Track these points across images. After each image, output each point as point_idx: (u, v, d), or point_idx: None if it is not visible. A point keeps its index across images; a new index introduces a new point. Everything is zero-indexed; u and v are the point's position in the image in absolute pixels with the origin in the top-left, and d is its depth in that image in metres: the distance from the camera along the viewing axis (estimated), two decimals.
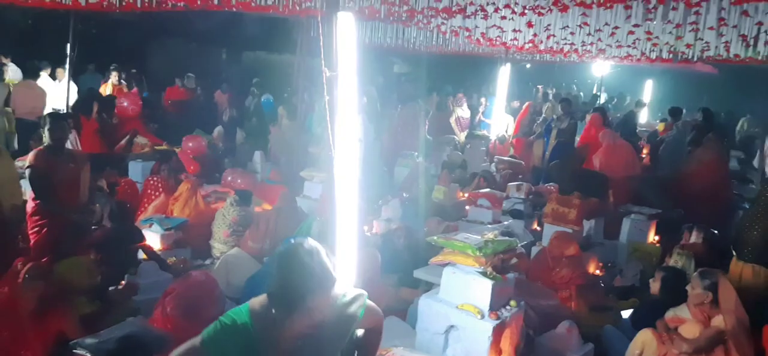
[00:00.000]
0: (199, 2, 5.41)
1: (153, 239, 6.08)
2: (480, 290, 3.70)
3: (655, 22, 5.99)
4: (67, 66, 8.67)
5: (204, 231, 6.52)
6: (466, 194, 7.91)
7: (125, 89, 11.29)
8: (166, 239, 6.36)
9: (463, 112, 12.17)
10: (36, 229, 4.97)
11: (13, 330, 3.72)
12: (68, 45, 8.21)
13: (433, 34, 9.02)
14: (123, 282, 5.20)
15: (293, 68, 13.51)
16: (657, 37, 6.88)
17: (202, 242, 6.47)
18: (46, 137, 4.96)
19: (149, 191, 7.34)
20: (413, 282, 5.06)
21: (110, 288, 5.03)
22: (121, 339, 3.50)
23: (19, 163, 5.73)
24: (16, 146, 9.51)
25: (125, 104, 9.95)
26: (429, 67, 15.94)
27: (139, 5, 5.98)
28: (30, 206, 4.96)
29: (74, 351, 3.82)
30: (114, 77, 11.41)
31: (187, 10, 6.29)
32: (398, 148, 9.73)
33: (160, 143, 9.38)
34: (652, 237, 6.94)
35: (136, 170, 8.43)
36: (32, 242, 4.99)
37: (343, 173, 2.65)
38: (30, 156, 4.98)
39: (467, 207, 7.38)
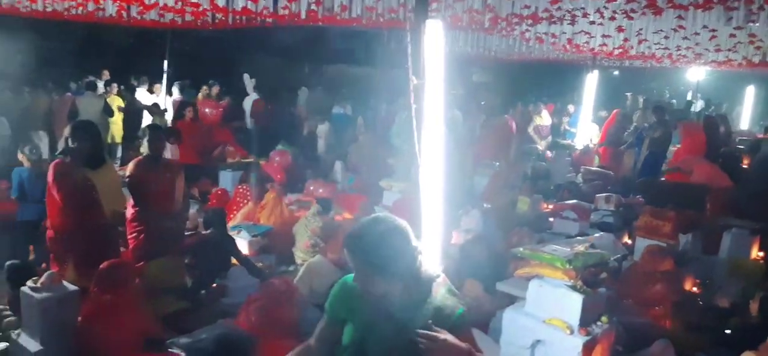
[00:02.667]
0: (286, 17, 5.58)
1: (241, 245, 6.30)
2: (569, 304, 3.56)
3: (758, 24, 5.59)
4: (163, 81, 9.18)
5: (288, 239, 6.68)
6: (551, 206, 7.68)
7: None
8: (253, 246, 6.59)
9: (542, 120, 11.86)
10: (134, 234, 5.27)
11: (113, 326, 3.94)
12: (165, 61, 8.68)
13: (516, 42, 8.85)
14: (213, 285, 5.42)
15: (373, 80, 13.72)
16: (761, 41, 6.42)
17: (286, 249, 6.63)
18: (144, 148, 5.27)
19: (238, 199, 7.64)
20: (493, 293, 4.96)
21: (203, 291, 5.27)
22: (216, 339, 3.63)
23: (120, 172, 6.10)
24: (119, 155, 10.18)
25: (207, 110, 10.44)
26: (510, 76, 15.70)
27: (230, 22, 6.24)
28: (129, 212, 5.26)
29: (170, 349, 4.02)
30: (204, 91, 12.01)
31: (274, 25, 6.51)
32: (479, 157, 9.60)
33: (247, 156, 9.75)
34: (756, 253, 6.46)
35: (226, 179, 8.81)
36: (131, 246, 5.30)
37: (428, 182, 2.63)
38: (130, 166, 5.30)
39: (551, 219, 7.16)
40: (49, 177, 4.57)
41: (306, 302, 4.81)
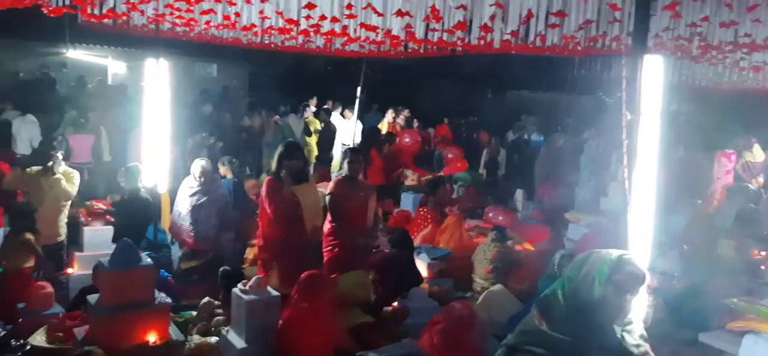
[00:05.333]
0: (479, 47, 5.65)
1: (420, 267, 6.45)
2: None
3: None
4: (355, 106, 9.79)
5: (466, 263, 6.70)
6: (763, 253, 6.78)
7: (398, 127, 12.31)
8: (432, 268, 6.70)
9: (753, 157, 10.51)
10: (329, 248, 5.63)
11: (308, 333, 4.22)
12: (359, 88, 9.26)
13: (726, 70, 8.01)
14: (395, 304, 5.61)
15: (559, 107, 13.27)
16: None
17: (464, 274, 6.65)
18: (344, 168, 5.66)
19: (419, 221, 7.83)
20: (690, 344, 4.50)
21: (385, 308, 5.48)
22: None
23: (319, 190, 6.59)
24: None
25: (407, 140, 10.87)
26: (715, 106, 14.23)
27: (422, 52, 6.49)
28: (326, 227, 5.66)
29: None
30: (389, 116, 12.55)
31: (465, 54, 6.64)
32: (676, 194, 8.79)
33: (427, 174, 9.94)
34: None
35: (407, 201, 9.10)
36: (325, 259, 5.67)
37: (636, 219, 2.49)
38: (330, 184, 5.73)
39: (763, 267, 6.33)
40: (263, 192, 5.12)
41: (487, 330, 4.78)
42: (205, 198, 6.08)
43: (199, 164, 6.18)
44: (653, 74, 2.39)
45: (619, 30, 5.16)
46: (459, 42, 5.55)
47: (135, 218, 6.03)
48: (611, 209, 7.44)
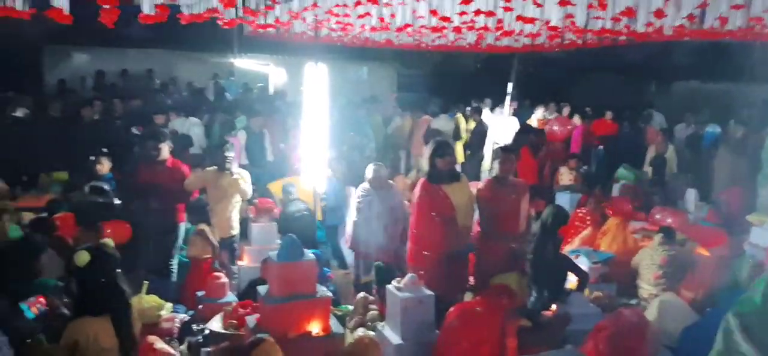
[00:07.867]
0: (646, 35, 5.19)
1: None
2: None
3: None
4: (506, 102, 9.55)
5: (631, 269, 6.28)
6: None
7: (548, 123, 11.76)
8: (593, 273, 6.33)
9: None
10: (479, 252, 5.53)
11: (481, 335, 4.19)
12: (510, 84, 9.02)
13: None
14: (553, 309, 5.37)
15: (734, 97, 11.94)
16: None
17: (628, 280, 6.24)
18: (494, 168, 5.52)
19: (577, 222, 7.48)
20: None
21: (543, 312, 5.26)
22: None
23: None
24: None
25: (555, 128, 10.40)
26: None
27: (580, 43, 6.14)
28: (475, 229, 5.56)
29: None
30: (539, 112, 12.05)
31: (627, 43, 6.17)
32: None
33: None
34: None
35: (563, 201, 8.67)
36: (473, 262, 5.54)
37: None
38: (480, 185, 5.61)
39: None
40: (417, 192, 5.15)
41: (659, 340, 4.42)
42: (381, 206, 5.81)
43: (371, 169, 5.92)
44: None
45: None
46: (625, 30, 5.16)
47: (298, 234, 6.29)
48: None
